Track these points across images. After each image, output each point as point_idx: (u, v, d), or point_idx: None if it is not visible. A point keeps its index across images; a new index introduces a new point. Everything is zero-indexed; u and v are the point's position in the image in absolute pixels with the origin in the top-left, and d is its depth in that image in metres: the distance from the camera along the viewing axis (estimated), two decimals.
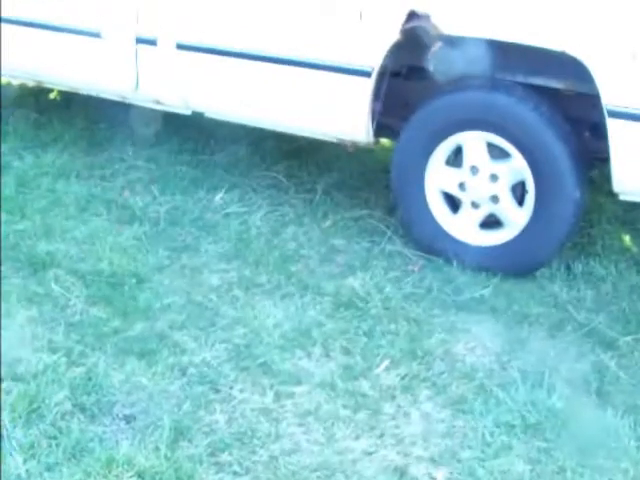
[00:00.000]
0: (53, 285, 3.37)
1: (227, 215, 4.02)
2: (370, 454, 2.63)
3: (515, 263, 3.57)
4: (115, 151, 4.69)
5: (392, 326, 3.24)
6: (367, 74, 3.58)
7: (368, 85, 3.59)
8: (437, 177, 3.66)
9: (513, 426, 2.74)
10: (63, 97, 5.24)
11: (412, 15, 3.44)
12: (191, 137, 4.83)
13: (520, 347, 3.17)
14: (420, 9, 3.42)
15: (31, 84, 4.79)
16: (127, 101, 4.36)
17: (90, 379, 2.84)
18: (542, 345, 3.19)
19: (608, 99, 3.21)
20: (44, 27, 4.31)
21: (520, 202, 3.55)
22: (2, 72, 4.62)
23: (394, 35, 3.47)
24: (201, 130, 4.78)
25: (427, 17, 3.42)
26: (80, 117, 5.10)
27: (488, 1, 3.35)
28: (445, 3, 3.41)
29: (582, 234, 3.87)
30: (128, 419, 2.69)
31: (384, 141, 4.20)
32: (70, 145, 4.74)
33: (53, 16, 4.27)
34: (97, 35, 4.17)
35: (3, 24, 4.33)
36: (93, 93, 4.48)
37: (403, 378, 2.97)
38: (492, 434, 2.71)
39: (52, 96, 5.34)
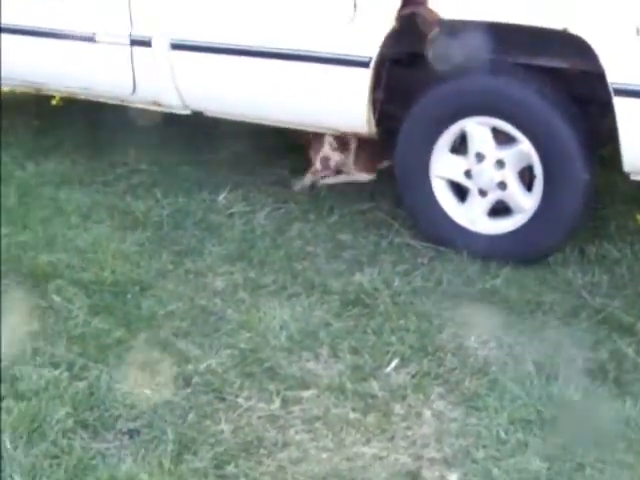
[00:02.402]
0: (55, 297, 3.30)
1: (231, 215, 3.94)
2: (381, 459, 2.54)
3: (526, 250, 3.48)
4: (117, 155, 4.64)
5: (401, 322, 3.15)
6: (365, 64, 3.48)
7: (367, 75, 3.50)
8: (442, 166, 3.57)
9: (529, 422, 2.65)
10: (65, 103, 5.18)
11: (407, 1, 3.34)
12: (194, 136, 4.76)
13: (534, 338, 3.07)
14: None
15: (31, 91, 4.73)
16: (126, 104, 4.29)
17: (92, 394, 2.77)
18: (557, 334, 3.09)
19: (613, 77, 3.10)
20: (38, 34, 4.24)
21: (529, 187, 3.45)
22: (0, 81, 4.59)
23: (390, 23, 3.37)
24: (203, 129, 4.70)
25: (423, 2, 3.32)
26: (82, 122, 5.04)
27: None
28: None
29: (595, 216, 3.77)
30: (131, 434, 2.61)
31: None
32: (72, 151, 4.69)
33: (46, 22, 4.20)
34: (91, 39, 4.10)
35: None
36: (91, 98, 4.41)
37: (414, 376, 2.88)
38: (507, 431, 2.62)
39: (54, 102, 5.27)
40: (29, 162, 4.55)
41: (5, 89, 5.19)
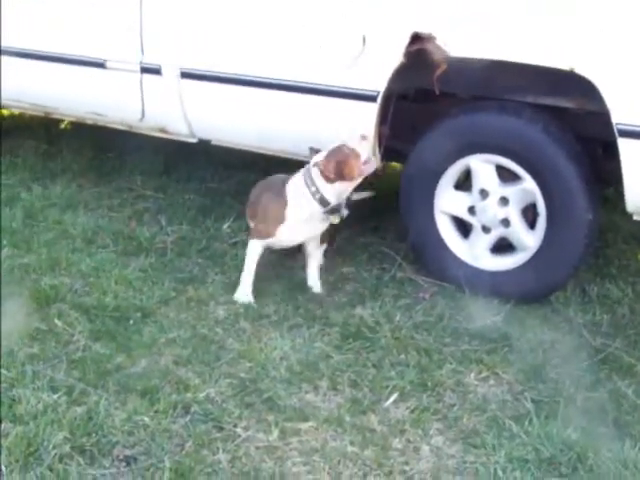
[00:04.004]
0: (56, 320, 3.30)
1: (234, 244, 3.96)
2: None
3: (528, 288, 3.48)
4: (124, 181, 4.67)
5: (402, 357, 3.16)
6: (372, 98, 3.51)
7: (373, 109, 3.52)
8: (446, 201, 3.59)
9: (526, 461, 2.65)
10: (73, 127, 5.21)
11: (416, 37, 3.37)
12: (200, 165, 4.79)
13: (534, 376, 3.08)
14: (424, 31, 3.35)
15: (40, 115, 4.76)
16: (134, 130, 4.32)
17: (91, 419, 2.76)
18: (557, 373, 3.09)
19: (618, 117, 3.12)
20: (49, 58, 4.27)
21: (532, 225, 3.47)
22: (8, 103, 4.62)
23: (398, 58, 3.40)
24: (210, 157, 4.73)
25: (431, 38, 3.35)
26: (90, 147, 5.09)
27: (494, 21, 3.27)
28: (450, 24, 3.33)
29: (597, 255, 3.79)
30: (128, 460, 2.61)
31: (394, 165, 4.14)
32: (78, 175, 4.72)
33: (58, 47, 4.24)
34: (102, 65, 4.13)
35: (8, 56, 4.31)
36: (100, 123, 4.44)
37: (413, 411, 2.88)
38: (504, 470, 2.61)
39: (62, 126, 5.31)
40: (35, 184, 4.58)
41: (11, 111, 5.24)
